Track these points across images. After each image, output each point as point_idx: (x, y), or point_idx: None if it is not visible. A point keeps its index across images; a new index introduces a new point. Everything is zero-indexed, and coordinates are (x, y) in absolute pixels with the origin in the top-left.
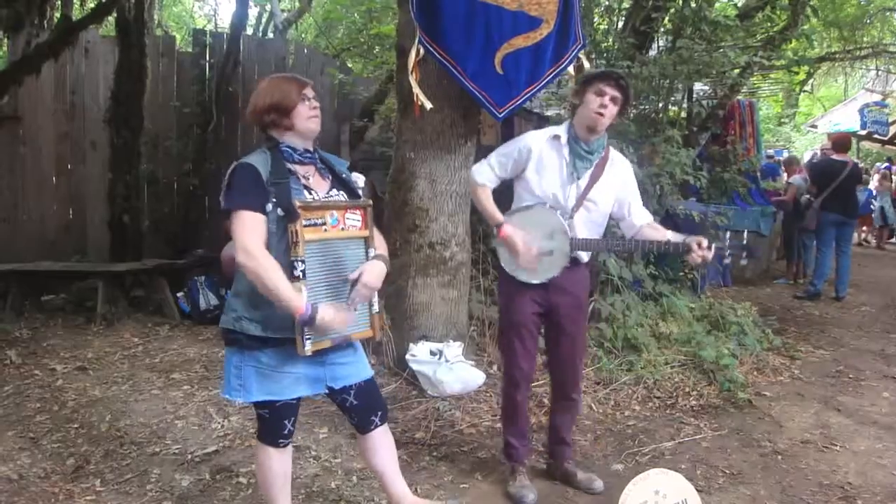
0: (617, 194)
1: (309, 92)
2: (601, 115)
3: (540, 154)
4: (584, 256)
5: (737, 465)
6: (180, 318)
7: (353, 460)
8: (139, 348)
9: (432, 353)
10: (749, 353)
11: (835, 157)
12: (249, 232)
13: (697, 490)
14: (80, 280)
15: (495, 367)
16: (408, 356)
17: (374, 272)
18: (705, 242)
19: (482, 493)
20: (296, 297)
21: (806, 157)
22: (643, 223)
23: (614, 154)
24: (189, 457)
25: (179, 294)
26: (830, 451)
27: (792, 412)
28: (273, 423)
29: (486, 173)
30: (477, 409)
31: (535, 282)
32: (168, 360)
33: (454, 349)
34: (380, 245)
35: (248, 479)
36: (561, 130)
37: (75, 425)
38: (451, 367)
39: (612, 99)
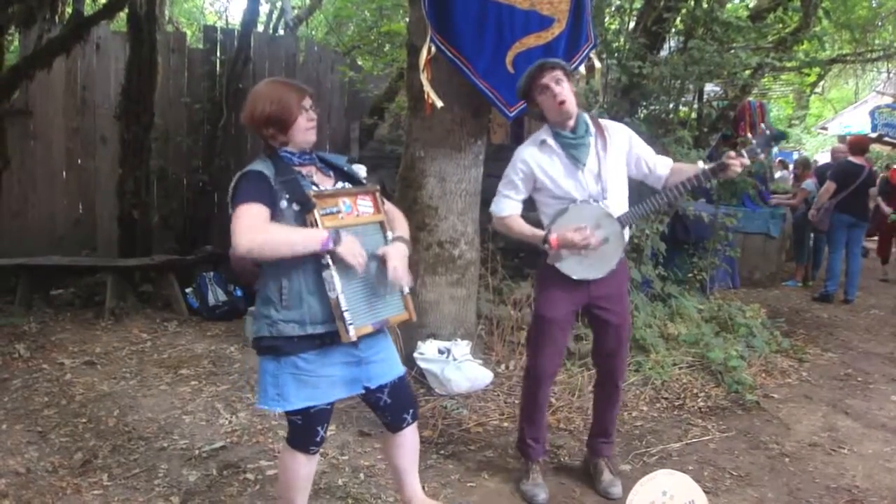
0: (626, 157)
1: (307, 102)
2: (561, 101)
3: (538, 162)
4: (627, 233)
5: (744, 466)
6: (189, 313)
7: (360, 457)
8: (147, 343)
9: (440, 352)
10: (757, 354)
11: (852, 159)
12: (244, 218)
13: (705, 491)
14: (89, 275)
15: (503, 366)
16: (416, 354)
17: (396, 253)
18: (733, 153)
19: (489, 491)
20: (314, 233)
21: (820, 159)
22: (666, 171)
23: (605, 123)
24: (196, 452)
25: (188, 290)
26: (838, 454)
27: (800, 415)
28: (306, 429)
29: (507, 204)
30: (484, 408)
31: (603, 274)
32: (176, 356)
33: (462, 348)
34: (400, 226)
35: (255, 476)
36: (544, 134)
37: (83, 420)
38: (458, 366)
39: (556, 81)
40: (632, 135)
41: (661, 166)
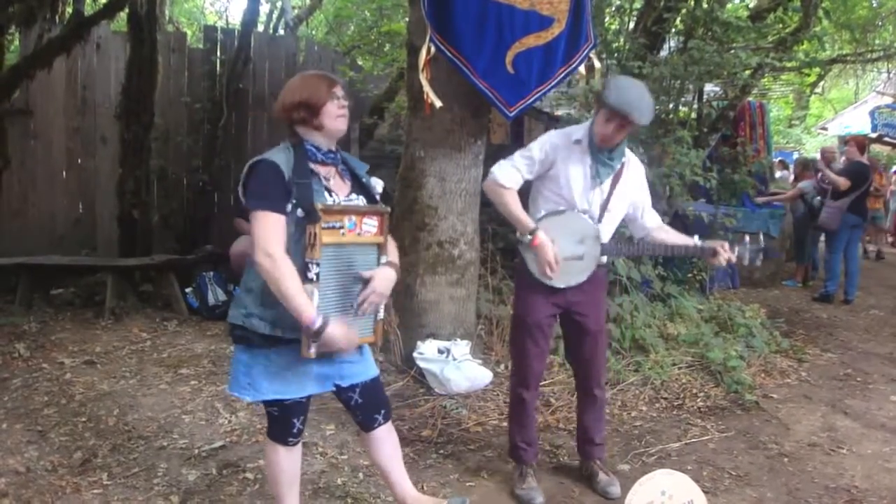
0: (632, 196)
1: (339, 91)
2: (607, 138)
3: (564, 155)
4: (604, 259)
5: (743, 466)
6: (188, 313)
7: (359, 457)
8: (147, 343)
9: (440, 351)
10: (757, 355)
11: (862, 160)
12: (271, 233)
13: (703, 491)
14: (89, 274)
15: (502, 366)
16: (415, 354)
17: (385, 279)
18: (727, 245)
19: (488, 491)
20: (307, 307)
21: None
22: (654, 226)
23: (630, 155)
24: (196, 451)
25: (188, 289)
26: (837, 454)
27: (799, 415)
28: (282, 421)
29: (512, 175)
30: (484, 408)
31: (561, 286)
32: (176, 355)
33: (462, 347)
34: (391, 252)
35: (254, 475)
36: (581, 134)
37: (83, 419)
38: (458, 366)
39: (619, 128)
40: (644, 177)
41: (650, 218)
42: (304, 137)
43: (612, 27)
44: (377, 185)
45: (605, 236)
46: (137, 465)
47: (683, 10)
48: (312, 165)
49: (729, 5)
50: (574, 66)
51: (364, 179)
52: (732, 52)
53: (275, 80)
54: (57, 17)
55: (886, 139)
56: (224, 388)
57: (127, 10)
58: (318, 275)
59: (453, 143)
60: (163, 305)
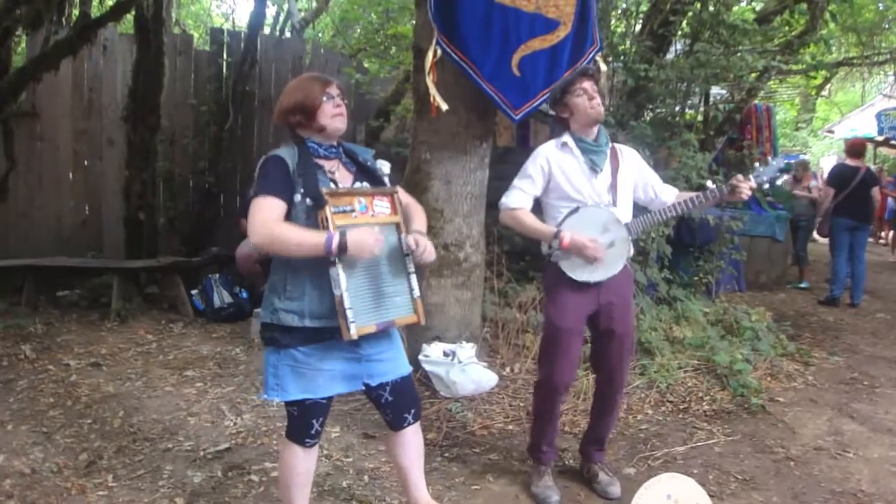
0: (635, 180)
1: (333, 90)
2: (595, 106)
3: (558, 162)
4: (632, 247)
5: (749, 470)
6: (194, 315)
7: (364, 459)
8: (153, 345)
9: (445, 354)
10: (763, 358)
11: (848, 162)
12: (265, 212)
13: (709, 495)
14: (95, 276)
15: (508, 369)
16: (421, 357)
17: (422, 237)
18: (741, 176)
19: (494, 494)
20: (319, 235)
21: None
22: (671, 199)
23: (618, 146)
24: (201, 453)
25: (194, 291)
26: (843, 458)
27: (805, 418)
28: (301, 421)
29: (519, 197)
30: (489, 411)
31: (605, 278)
32: (182, 357)
33: (467, 350)
34: (418, 218)
35: (259, 477)
36: (565, 138)
37: (88, 420)
38: (463, 369)
39: (592, 87)
40: (641, 159)
41: (667, 193)
42: (305, 137)
43: (618, 30)
44: (384, 166)
45: (625, 217)
46: (143, 466)
47: (690, 13)
48: (316, 160)
49: (735, 8)
50: (580, 69)
51: (369, 164)
52: (739, 54)
53: (281, 83)
54: (63, 20)
55: (893, 142)
56: (229, 389)
57: (133, 13)
58: (338, 256)
59: (459, 146)
60: (168, 307)
